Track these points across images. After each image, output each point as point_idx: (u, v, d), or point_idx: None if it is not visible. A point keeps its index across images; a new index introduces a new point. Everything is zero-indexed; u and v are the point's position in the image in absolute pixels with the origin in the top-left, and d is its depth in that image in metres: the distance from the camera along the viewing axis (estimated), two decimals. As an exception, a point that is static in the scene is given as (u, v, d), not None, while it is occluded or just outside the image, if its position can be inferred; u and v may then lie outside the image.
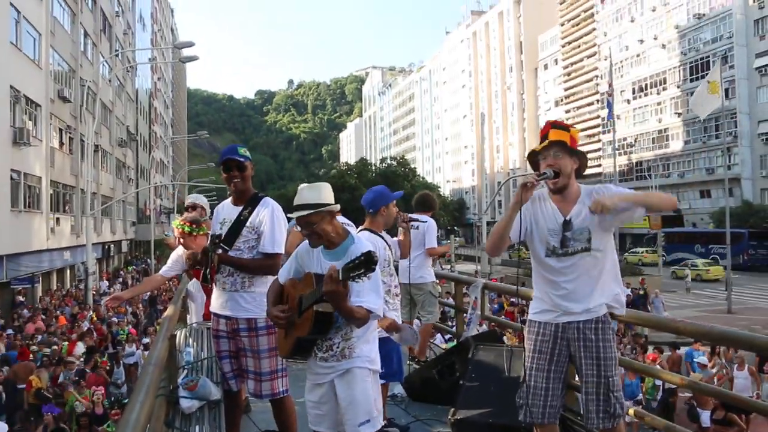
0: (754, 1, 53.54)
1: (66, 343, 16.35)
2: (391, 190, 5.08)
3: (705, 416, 10.33)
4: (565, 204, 3.46)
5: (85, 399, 12.26)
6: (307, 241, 3.59)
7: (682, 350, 15.29)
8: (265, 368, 4.04)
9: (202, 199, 6.89)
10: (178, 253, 5.86)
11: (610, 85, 36.59)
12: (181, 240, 5.80)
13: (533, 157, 3.56)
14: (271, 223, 4.06)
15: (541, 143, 3.50)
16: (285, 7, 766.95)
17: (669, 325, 4.68)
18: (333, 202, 3.45)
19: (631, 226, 62.57)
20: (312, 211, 3.35)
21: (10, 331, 17.80)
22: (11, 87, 23.71)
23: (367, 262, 3.03)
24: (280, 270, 3.73)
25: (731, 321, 25.87)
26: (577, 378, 3.67)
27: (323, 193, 3.44)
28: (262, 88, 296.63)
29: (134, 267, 46.80)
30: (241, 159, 4.08)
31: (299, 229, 4.69)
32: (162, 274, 5.98)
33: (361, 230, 4.86)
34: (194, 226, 5.75)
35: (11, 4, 23.92)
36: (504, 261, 46.74)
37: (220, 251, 4.09)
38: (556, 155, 3.42)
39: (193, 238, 5.65)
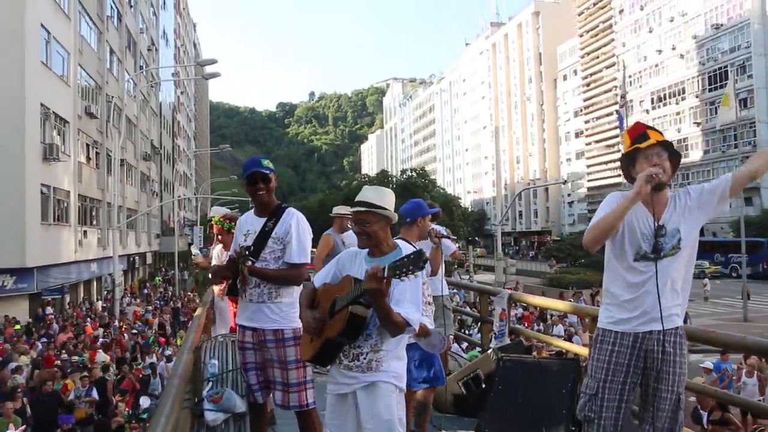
0: (771, 11, 53.70)
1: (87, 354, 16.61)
2: (420, 201, 5.21)
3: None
4: (657, 208, 3.33)
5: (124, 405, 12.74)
6: (349, 249, 3.63)
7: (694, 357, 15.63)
8: (293, 379, 4.00)
9: (222, 212, 6.87)
10: (216, 252, 6.08)
11: (623, 97, 36.61)
12: (219, 237, 6.06)
13: (628, 157, 3.45)
14: (297, 233, 4.05)
15: (636, 143, 3.38)
16: (304, 19, 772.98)
17: (701, 336, 4.61)
18: (392, 210, 3.44)
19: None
20: (369, 209, 3.36)
21: (44, 339, 18.45)
22: (41, 104, 24.55)
23: (415, 260, 2.97)
24: (316, 275, 3.66)
25: (746, 329, 26.04)
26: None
27: (386, 198, 3.42)
28: (284, 101, 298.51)
29: (160, 278, 47.62)
30: (266, 171, 4.08)
31: (330, 232, 4.79)
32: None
33: (396, 239, 4.66)
34: (233, 223, 5.74)
35: (42, 26, 24.80)
36: (519, 270, 47.08)
37: (249, 263, 4.07)
38: (660, 155, 3.32)
39: (232, 235, 5.63)
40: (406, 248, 3.42)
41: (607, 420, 3.33)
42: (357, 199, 3.41)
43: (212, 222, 6.41)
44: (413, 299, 3.24)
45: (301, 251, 4.05)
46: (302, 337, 3.58)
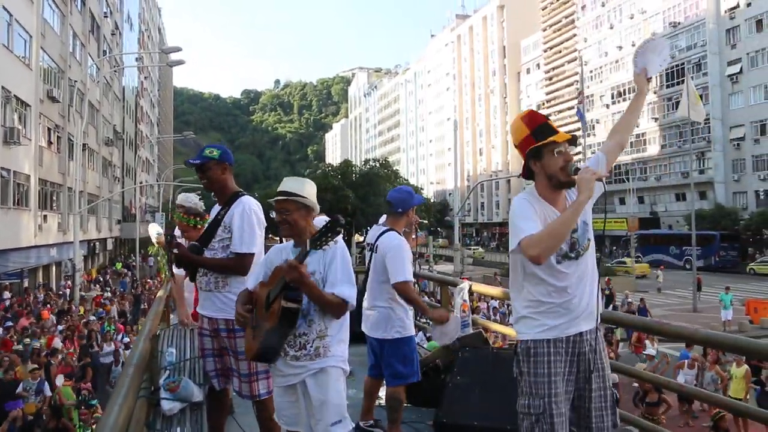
0: (725, 12, 55.30)
1: (43, 339, 16.38)
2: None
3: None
4: (559, 205, 3.12)
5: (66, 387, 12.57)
6: (276, 246, 3.62)
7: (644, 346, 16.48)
8: (243, 369, 3.98)
9: (191, 199, 6.60)
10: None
11: (581, 93, 37.37)
12: (185, 233, 5.84)
13: (534, 149, 3.12)
14: (240, 221, 3.95)
15: (548, 135, 3.08)
16: (269, 7, 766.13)
17: (654, 327, 4.63)
18: (314, 200, 3.45)
19: (611, 227, 64.28)
20: (286, 197, 3.39)
21: (9, 323, 18.40)
22: (2, 88, 24.39)
23: (332, 227, 3.06)
24: (248, 279, 3.69)
25: (694, 319, 27.15)
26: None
27: (305, 187, 3.45)
28: (249, 88, 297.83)
29: (120, 263, 47.23)
30: (198, 161, 4.06)
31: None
32: (176, 272, 5.82)
33: (387, 231, 4.85)
34: (197, 218, 5.65)
35: (3, 7, 24.62)
36: (475, 261, 48.07)
37: (175, 250, 4.09)
38: (570, 150, 3.15)
39: (196, 230, 5.54)
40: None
41: None
42: (278, 189, 3.46)
43: (175, 219, 6.23)
44: (345, 278, 3.27)
45: (244, 241, 3.94)
46: (245, 335, 3.54)
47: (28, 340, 15.91)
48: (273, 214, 3.48)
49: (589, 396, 3.14)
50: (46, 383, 12.79)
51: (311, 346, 3.30)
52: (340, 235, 3.22)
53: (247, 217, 3.97)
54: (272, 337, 3.27)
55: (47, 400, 12.33)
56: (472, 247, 75.66)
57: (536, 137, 3.08)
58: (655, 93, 61.99)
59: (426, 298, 19.26)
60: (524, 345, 3.15)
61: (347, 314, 3.37)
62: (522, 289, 3.17)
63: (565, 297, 3.07)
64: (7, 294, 24.89)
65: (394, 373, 4.79)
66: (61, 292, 27.91)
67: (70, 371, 13.94)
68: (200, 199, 5.88)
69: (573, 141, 3.16)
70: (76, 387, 13.14)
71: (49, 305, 24.00)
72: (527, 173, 3.22)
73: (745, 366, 13.22)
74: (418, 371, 4.93)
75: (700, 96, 55.39)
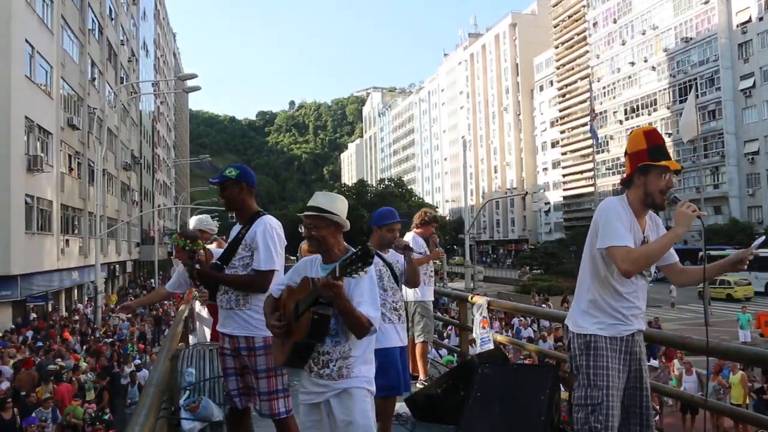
0: (737, 26, 55.51)
1: (70, 361, 16.63)
2: (388, 210, 5.22)
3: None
4: (642, 222, 3.35)
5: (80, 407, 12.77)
6: (305, 258, 3.60)
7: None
8: (263, 388, 3.96)
9: (204, 222, 6.90)
10: (180, 270, 6.05)
11: (593, 110, 37.63)
12: (177, 254, 5.98)
13: (646, 163, 3.31)
14: (263, 239, 3.96)
15: (663, 158, 3.30)
16: (282, 30, 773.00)
17: (675, 341, 4.70)
18: (344, 216, 3.41)
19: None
20: (317, 213, 3.36)
21: (39, 344, 18.90)
22: (26, 117, 25.11)
23: (363, 257, 2.98)
24: (275, 284, 3.72)
25: (704, 332, 27.21)
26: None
27: (336, 203, 3.41)
28: (264, 109, 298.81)
29: (131, 291, 47.52)
30: (217, 180, 4.13)
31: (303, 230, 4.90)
32: (167, 288, 6.18)
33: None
34: (189, 241, 5.48)
35: (26, 41, 25.41)
36: (486, 277, 48.20)
37: (197, 266, 4.16)
38: (672, 177, 3.32)
39: (182, 251, 5.47)
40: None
41: (613, 430, 3.25)
42: (308, 204, 3.43)
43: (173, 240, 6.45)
44: (371, 300, 3.26)
45: (267, 258, 3.96)
46: (274, 342, 3.54)
47: (60, 359, 16.18)
48: (301, 229, 3.51)
49: (641, 394, 3.36)
50: (58, 411, 12.78)
51: (334, 365, 3.27)
52: (372, 266, 3.17)
53: (269, 235, 3.99)
54: (301, 346, 3.27)
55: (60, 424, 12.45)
56: (457, 258, 75.76)
57: (651, 156, 3.30)
58: (668, 108, 62.17)
59: (439, 314, 19.66)
60: (582, 339, 3.37)
61: (373, 336, 3.35)
62: (588, 286, 3.39)
63: (627, 303, 3.32)
64: (33, 315, 25.53)
65: (377, 386, 4.87)
66: (76, 317, 28.30)
67: (76, 392, 14.05)
68: (217, 221, 6.07)
69: (678, 172, 3.38)
70: (90, 408, 13.47)
71: (66, 327, 24.49)
72: (627, 182, 3.41)
73: (741, 372, 13.57)
74: (402, 383, 4.96)
75: (713, 111, 56.13)
